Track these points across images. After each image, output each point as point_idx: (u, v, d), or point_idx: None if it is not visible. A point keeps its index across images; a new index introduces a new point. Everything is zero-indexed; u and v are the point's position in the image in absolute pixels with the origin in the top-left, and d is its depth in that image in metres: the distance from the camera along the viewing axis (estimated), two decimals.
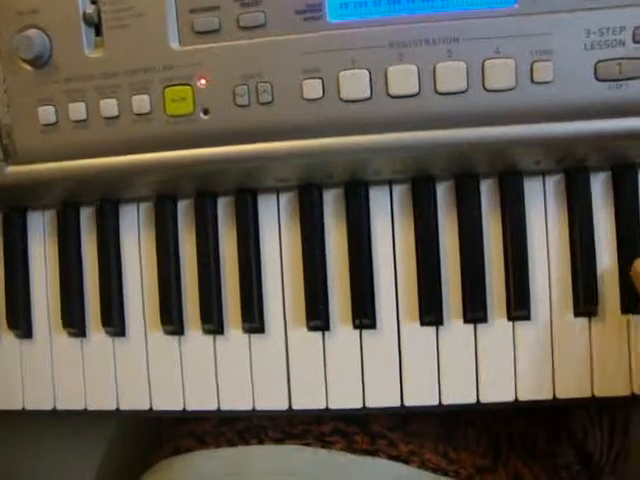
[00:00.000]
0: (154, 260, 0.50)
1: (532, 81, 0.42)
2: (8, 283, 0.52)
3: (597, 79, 0.42)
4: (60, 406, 0.52)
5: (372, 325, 0.48)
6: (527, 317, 0.46)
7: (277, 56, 0.44)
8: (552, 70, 0.42)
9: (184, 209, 0.51)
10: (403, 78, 0.43)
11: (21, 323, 0.52)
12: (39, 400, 0.52)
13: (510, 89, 0.42)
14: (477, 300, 0.47)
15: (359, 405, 0.48)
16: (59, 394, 0.52)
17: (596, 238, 0.46)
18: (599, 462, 0.50)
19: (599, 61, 0.41)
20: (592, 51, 0.41)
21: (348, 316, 0.48)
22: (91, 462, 0.65)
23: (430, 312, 0.47)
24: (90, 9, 0.45)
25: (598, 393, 0.46)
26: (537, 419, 0.54)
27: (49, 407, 0.52)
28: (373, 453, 0.52)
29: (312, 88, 0.44)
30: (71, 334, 0.52)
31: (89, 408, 0.52)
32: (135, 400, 0.51)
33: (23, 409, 0.53)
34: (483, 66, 0.42)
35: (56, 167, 0.47)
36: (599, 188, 0.47)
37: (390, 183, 0.48)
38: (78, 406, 0.52)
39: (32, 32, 0.45)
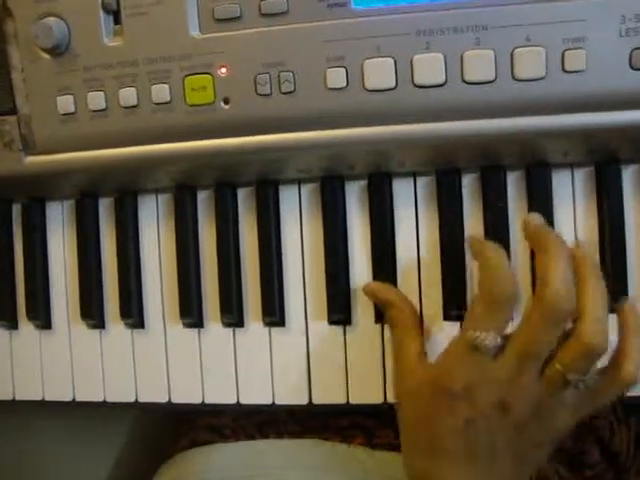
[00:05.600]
0: (173, 252, 0.50)
1: (563, 70, 0.41)
2: (27, 274, 0.52)
3: (632, 68, 0.40)
4: (79, 397, 0.52)
5: None
6: None
7: (300, 44, 0.43)
8: (584, 58, 0.40)
9: (204, 200, 0.50)
10: (429, 67, 0.42)
11: (40, 314, 0.52)
12: (58, 391, 0.52)
13: (540, 78, 0.41)
14: None
15: (380, 400, 0.48)
16: (78, 385, 0.52)
17: (626, 232, 0.45)
18: (625, 461, 0.49)
19: (635, 49, 0.40)
20: (627, 38, 0.40)
21: (370, 310, 0.47)
22: (109, 454, 0.65)
23: (454, 306, 0.46)
24: None
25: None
26: None
27: (68, 398, 0.52)
28: (393, 448, 0.51)
29: (336, 77, 0.43)
30: (90, 325, 0.52)
31: (108, 400, 0.52)
32: (154, 393, 0.51)
33: (43, 400, 0.53)
34: (512, 55, 0.41)
35: (75, 157, 0.47)
36: (630, 181, 0.45)
37: (414, 175, 0.47)
38: (97, 398, 0.52)
39: (51, 20, 0.44)
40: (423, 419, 0.41)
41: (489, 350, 0.39)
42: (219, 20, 0.43)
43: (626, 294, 0.44)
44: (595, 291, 0.38)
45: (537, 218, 0.42)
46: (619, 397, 0.40)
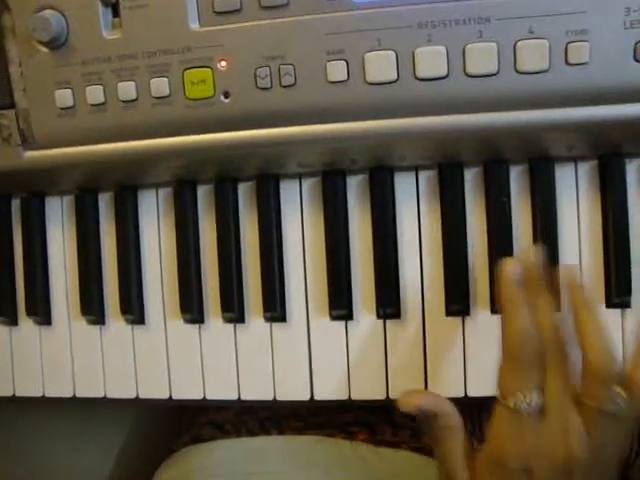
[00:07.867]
0: (173, 247, 0.50)
1: (567, 63, 0.40)
2: (27, 269, 0.52)
3: (636, 60, 0.40)
4: (80, 393, 0.52)
5: (397, 314, 0.47)
6: None
7: (300, 37, 0.42)
8: (588, 51, 0.40)
9: (204, 195, 0.50)
10: (431, 60, 0.41)
11: (40, 310, 0.52)
12: (59, 387, 0.52)
13: (543, 71, 0.41)
14: None
15: (382, 396, 0.47)
16: (78, 382, 0.52)
17: (630, 226, 0.44)
18: (628, 457, 0.49)
19: (639, 41, 0.39)
20: (632, 30, 0.39)
21: (372, 305, 0.47)
22: (110, 451, 0.65)
23: (456, 302, 0.46)
24: None
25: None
26: None
27: (69, 394, 0.52)
28: (396, 445, 0.51)
29: (336, 70, 0.42)
30: (90, 321, 0.51)
31: (109, 396, 0.51)
32: (155, 388, 0.51)
33: (43, 396, 0.52)
34: (515, 47, 0.41)
35: (74, 152, 0.46)
36: (634, 175, 0.45)
37: (416, 169, 0.47)
38: (97, 394, 0.52)
39: (48, 13, 0.44)
40: None
41: (535, 411, 0.37)
42: (219, 13, 0.43)
43: (629, 288, 0.44)
44: (589, 320, 0.38)
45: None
46: None
